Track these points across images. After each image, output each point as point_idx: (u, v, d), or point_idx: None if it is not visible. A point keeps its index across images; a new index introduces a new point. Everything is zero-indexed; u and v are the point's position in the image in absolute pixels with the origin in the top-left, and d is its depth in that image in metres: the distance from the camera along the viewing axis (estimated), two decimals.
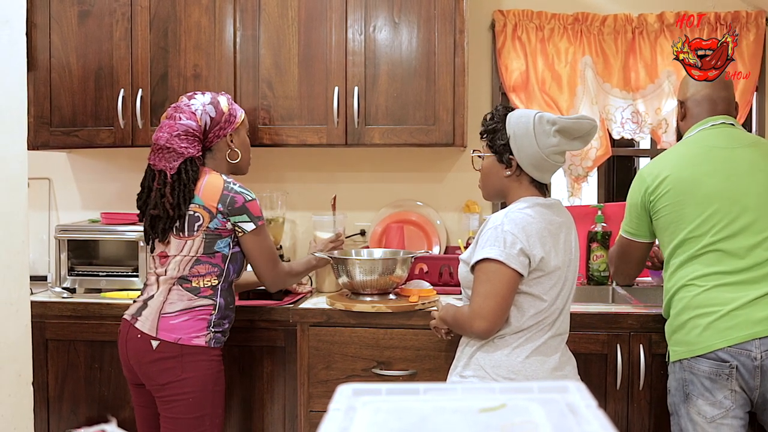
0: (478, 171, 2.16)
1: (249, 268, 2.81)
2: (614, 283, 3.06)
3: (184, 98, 2.35)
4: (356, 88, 2.80)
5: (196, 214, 2.23)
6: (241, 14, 2.86)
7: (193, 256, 2.24)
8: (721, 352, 2.10)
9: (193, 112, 2.29)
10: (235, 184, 2.27)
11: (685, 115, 2.44)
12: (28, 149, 2.09)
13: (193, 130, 2.27)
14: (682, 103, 2.46)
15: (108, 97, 2.92)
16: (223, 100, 2.38)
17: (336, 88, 2.80)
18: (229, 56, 2.86)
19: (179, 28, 2.88)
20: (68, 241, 2.93)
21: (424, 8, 2.79)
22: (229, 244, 2.28)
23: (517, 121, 2.01)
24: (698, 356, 2.13)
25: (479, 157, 2.13)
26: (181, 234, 2.24)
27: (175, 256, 2.25)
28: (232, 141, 2.37)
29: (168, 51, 2.89)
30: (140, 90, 2.88)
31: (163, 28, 2.89)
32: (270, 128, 2.86)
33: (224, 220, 2.24)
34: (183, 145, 2.24)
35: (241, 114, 2.41)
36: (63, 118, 2.96)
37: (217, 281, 2.27)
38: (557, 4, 3.14)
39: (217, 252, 2.26)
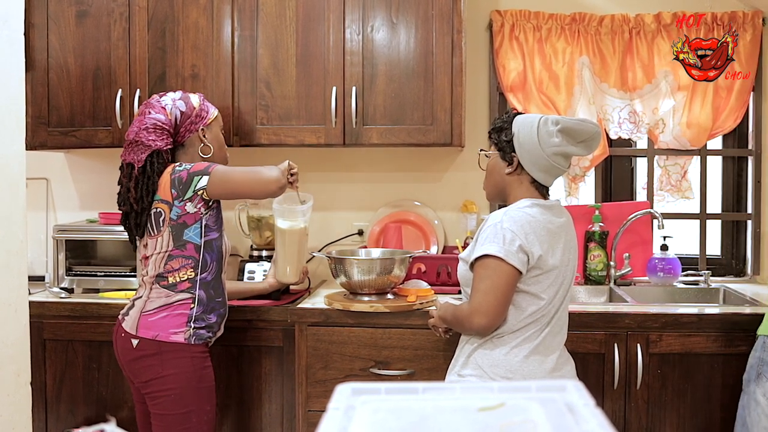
0: (483, 170, 2.17)
1: (246, 276, 2.84)
2: (612, 283, 3.07)
3: (155, 96, 2.38)
4: (354, 88, 2.80)
5: (158, 210, 2.24)
6: (239, 14, 2.86)
7: (165, 252, 2.25)
8: None
9: (163, 107, 2.31)
10: (180, 165, 2.26)
11: None
12: (25, 149, 2.09)
13: (162, 123, 2.29)
14: None
15: (106, 98, 2.92)
16: (195, 97, 2.40)
17: (334, 88, 2.81)
18: (227, 56, 2.86)
19: (177, 28, 2.88)
20: (66, 241, 2.93)
21: (421, 8, 2.80)
22: (200, 232, 2.26)
23: (523, 121, 2.03)
24: None
25: (486, 155, 2.15)
26: (152, 233, 2.26)
27: (152, 255, 2.27)
28: (204, 136, 2.38)
29: (166, 51, 2.89)
30: (138, 90, 2.88)
31: (161, 28, 2.89)
32: (268, 128, 2.86)
33: (181, 203, 2.22)
34: (151, 137, 2.26)
35: (213, 111, 2.43)
36: (61, 118, 2.96)
37: (194, 273, 2.26)
38: (554, 5, 3.14)
39: (188, 242, 2.25)
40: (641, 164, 3.34)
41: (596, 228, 3.08)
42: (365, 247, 3.09)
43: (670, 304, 2.81)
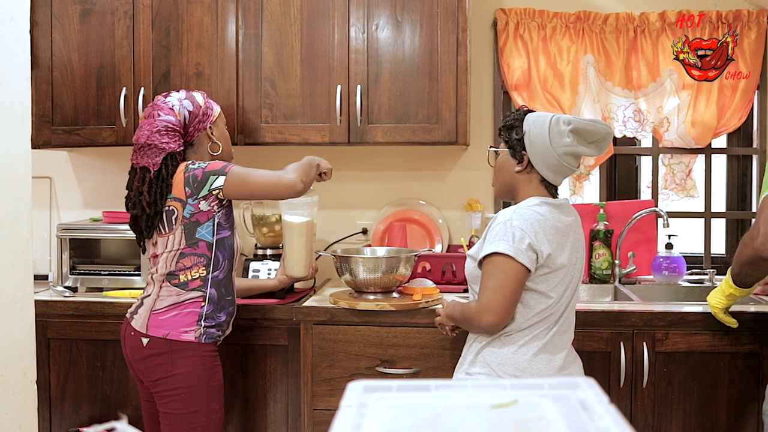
0: (492, 167, 2.18)
1: (251, 274, 2.83)
2: (617, 281, 3.07)
3: (160, 97, 2.36)
4: (359, 87, 2.80)
5: (171, 208, 2.24)
6: (244, 12, 2.85)
7: (177, 250, 2.24)
8: None
9: (171, 108, 2.30)
10: (194, 164, 2.25)
11: None
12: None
13: (173, 125, 2.28)
14: None
15: (110, 96, 2.92)
16: (198, 96, 2.40)
17: (339, 87, 2.80)
18: (232, 55, 2.86)
19: (181, 26, 2.88)
20: (70, 239, 2.93)
21: (426, 7, 2.79)
22: (212, 230, 2.25)
23: (534, 120, 2.03)
24: None
25: (495, 152, 2.15)
26: (163, 231, 2.26)
27: (162, 253, 2.26)
28: (212, 133, 2.38)
29: (170, 49, 2.89)
30: (142, 89, 2.87)
31: (166, 26, 2.88)
32: (272, 127, 2.86)
33: (195, 201, 2.21)
34: (164, 140, 2.25)
35: (217, 108, 2.43)
36: (65, 116, 2.96)
37: (205, 272, 2.25)
38: (559, 3, 3.14)
39: (201, 240, 2.24)
40: (646, 163, 3.33)
41: (601, 226, 3.08)
42: (369, 245, 3.09)
43: (676, 303, 2.81)
